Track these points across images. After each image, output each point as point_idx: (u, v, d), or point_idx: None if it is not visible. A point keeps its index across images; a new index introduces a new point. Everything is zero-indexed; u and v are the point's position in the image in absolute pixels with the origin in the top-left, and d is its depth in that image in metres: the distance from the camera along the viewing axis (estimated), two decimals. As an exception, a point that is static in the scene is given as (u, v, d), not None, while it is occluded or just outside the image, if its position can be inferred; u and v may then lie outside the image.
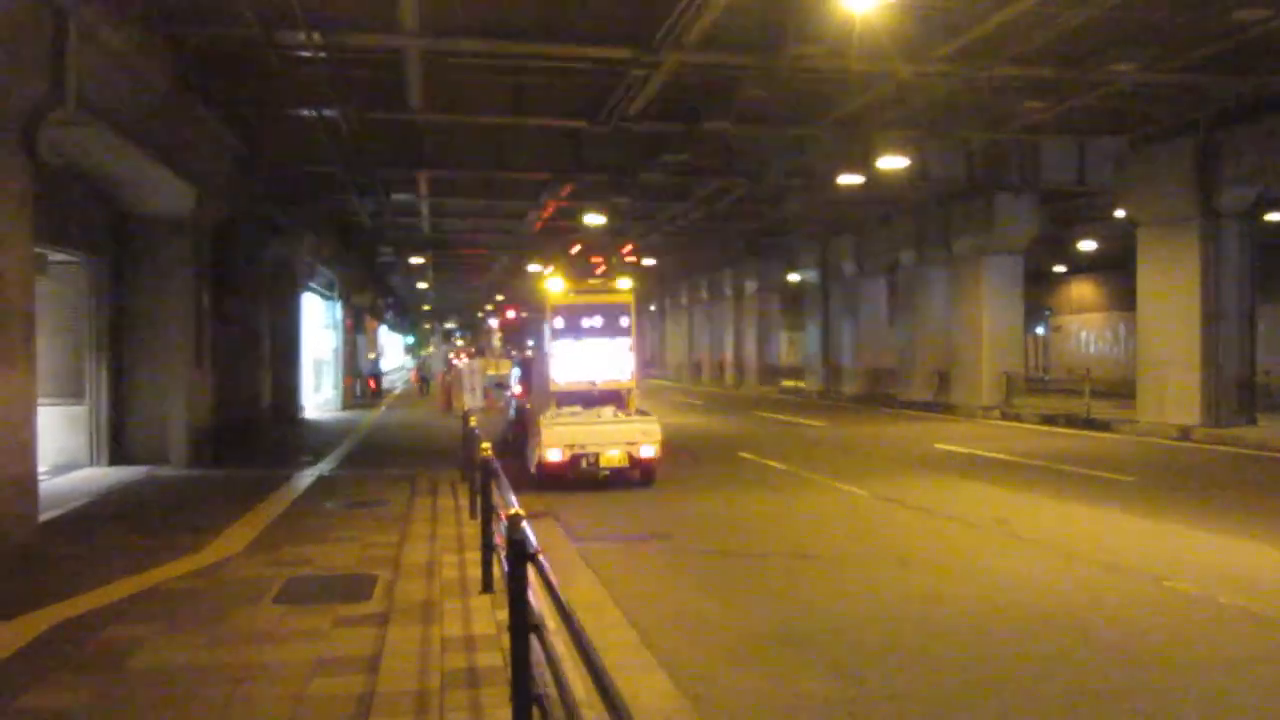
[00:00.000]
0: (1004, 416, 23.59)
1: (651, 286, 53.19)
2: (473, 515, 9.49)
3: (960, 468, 14.93)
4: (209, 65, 13.97)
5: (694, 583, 8.06)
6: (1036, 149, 23.42)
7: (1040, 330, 44.43)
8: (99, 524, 9.95)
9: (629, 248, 21.89)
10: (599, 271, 20.34)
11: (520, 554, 4.21)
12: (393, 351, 65.30)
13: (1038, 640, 6.50)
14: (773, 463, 15.72)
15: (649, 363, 54.96)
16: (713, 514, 11.27)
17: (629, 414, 13.55)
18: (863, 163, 19.85)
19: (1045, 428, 21.59)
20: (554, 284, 13.99)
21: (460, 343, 75.63)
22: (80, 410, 13.89)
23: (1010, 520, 10.51)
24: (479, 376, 25.58)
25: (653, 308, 57.86)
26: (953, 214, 26.19)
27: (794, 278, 37.98)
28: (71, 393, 13.85)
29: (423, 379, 40.90)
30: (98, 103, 10.18)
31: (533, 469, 13.17)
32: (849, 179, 20.63)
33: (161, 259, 14.28)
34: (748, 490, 12.94)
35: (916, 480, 13.54)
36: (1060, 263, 41.11)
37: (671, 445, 15.08)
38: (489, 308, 70.81)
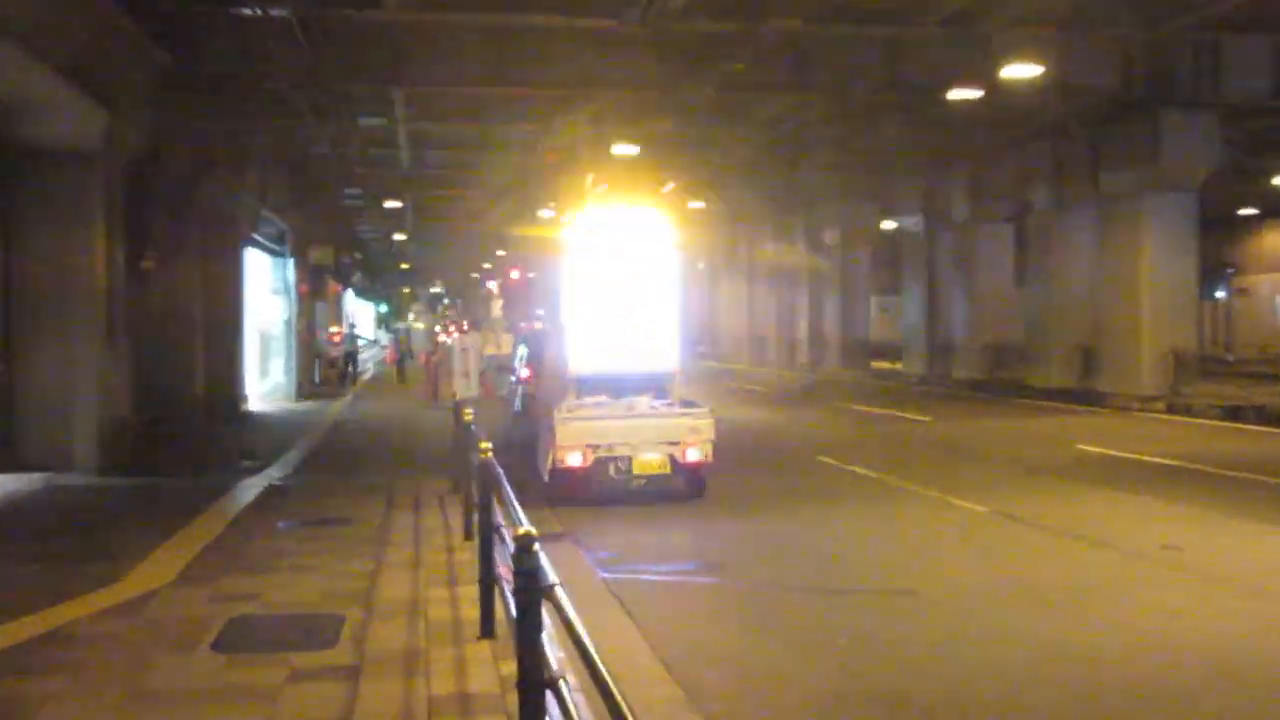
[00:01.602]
0: (1171, 409, 23.35)
1: (700, 238, 53.01)
2: (468, 537, 9.64)
3: (1112, 477, 14.74)
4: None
5: (757, 626, 8.15)
6: (1217, 51, 23.06)
7: (1220, 294, 43.87)
8: (-14, 548, 9.94)
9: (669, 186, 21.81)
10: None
11: (532, 588, 4.25)
12: (362, 324, 65.90)
13: (1216, 708, 6.42)
14: (861, 469, 15.76)
15: (698, 338, 54.92)
16: (782, 537, 11.33)
17: (672, 405, 13.59)
18: (981, 73, 19.63)
19: (1227, 424, 21.35)
20: (571, 233, 14.07)
21: (449, 312, 75.87)
22: (-40, 401, 14.07)
23: (1181, 547, 10.42)
24: (474, 356, 25.93)
25: (700, 266, 57.77)
26: (1103, 139, 25.89)
27: (889, 225, 37.77)
28: (-52, 378, 14.02)
29: (401, 359, 41.43)
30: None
31: (545, 476, 13.30)
32: (962, 94, 20.42)
33: (62, 203, 14.41)
34: (828, 506, 13.00)
35: (1053, 493, 13.49)
36: (1249, 204, 40.51)
37: (728, 446, 15.14)
38: (486, 267, 71.06)
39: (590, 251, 13.87)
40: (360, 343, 44.04)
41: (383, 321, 79.66)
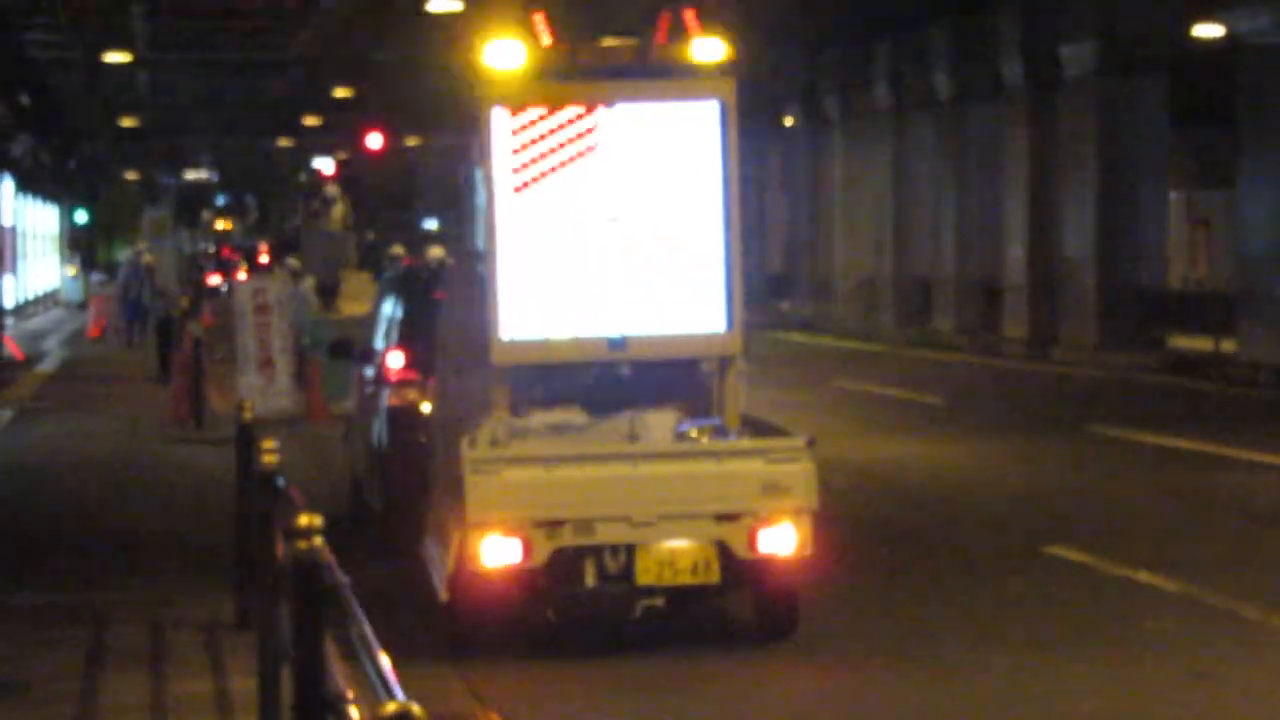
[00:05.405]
0: None
1: (787, 66, 34.26)
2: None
3: None
4: None
5: None
6: None
7: None
8: None
9: None
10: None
11: None
12: (40, 247, 43.78)
13: None
14: (1144, 574, 11.20)
15: (781, 281, 38.38)
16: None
17: (722, 430, 9.65)
18: None
19: None
20: (501, 52, 9.81)
21: (228, 225, 53.45)
22: None
23: None
24: (281, 321, 18.97)
25: (791, 123, 37.93)
26: None
27: (1207, 32, 24.67)
28: None
29: (165, 325, 25.38)
30: None
31: (443, 592, 9.28)
32: None
33: None
34: (1075, 660, 8.97)
35: None
36: None
37: (849, 523, 11.72)
38: (310, 124, 48.28)
39: (540, 93, 9.62)
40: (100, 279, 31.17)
41: (79, 244, 53.67)
